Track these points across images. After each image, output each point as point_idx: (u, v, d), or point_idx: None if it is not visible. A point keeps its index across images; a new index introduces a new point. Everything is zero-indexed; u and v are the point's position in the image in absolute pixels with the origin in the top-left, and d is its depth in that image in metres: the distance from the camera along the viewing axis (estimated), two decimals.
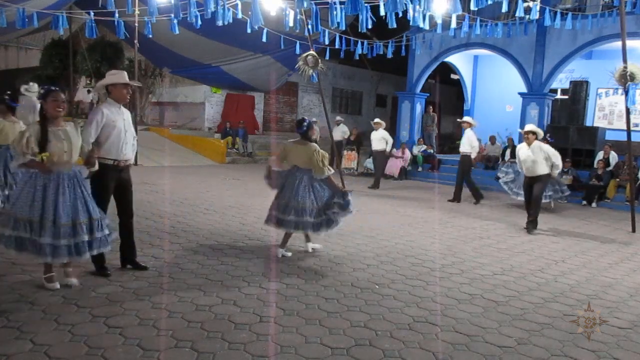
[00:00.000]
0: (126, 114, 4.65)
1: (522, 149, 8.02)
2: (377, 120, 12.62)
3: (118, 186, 4.64)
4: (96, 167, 4.33)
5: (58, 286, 4.15)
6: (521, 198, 11.06)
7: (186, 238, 6.15)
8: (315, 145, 5.70)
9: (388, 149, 12.53)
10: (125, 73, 4.63)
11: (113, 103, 4.54)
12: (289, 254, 5.66)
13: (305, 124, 5.64)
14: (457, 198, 10.77)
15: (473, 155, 10.60)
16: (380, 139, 12.34)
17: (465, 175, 10.68)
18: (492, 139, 14.99)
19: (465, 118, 11.09)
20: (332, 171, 5.66)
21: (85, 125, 4.43)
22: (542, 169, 7.85)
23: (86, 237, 4.08)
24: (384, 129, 12.51)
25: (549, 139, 11.69)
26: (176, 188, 10.14)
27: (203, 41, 15.50)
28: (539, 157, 7.80)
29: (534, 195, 7.96)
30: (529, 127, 8.15)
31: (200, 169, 13.98)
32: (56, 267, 4.27)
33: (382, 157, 12.54)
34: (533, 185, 7.97)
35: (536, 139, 7.94)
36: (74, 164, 4.16)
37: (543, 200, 10.99)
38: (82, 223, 4.07)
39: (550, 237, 7.60)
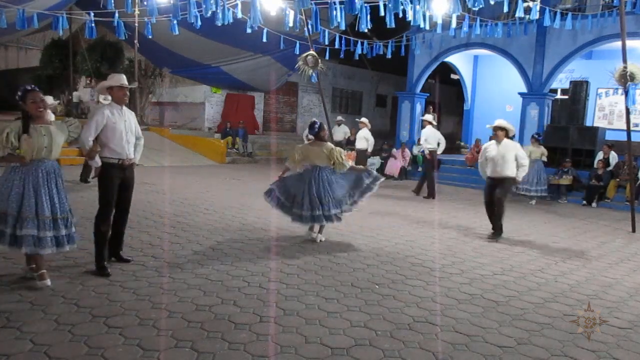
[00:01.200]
0: (128, 115, 4.85)
1: (492, 146, 7.28)
2: (362, 119, 12.99)
3: (121, 184, 4.82)
4: (99, 162, 4.56)
5: (49, 283, 4.19)
6: (524, 193, 11.38)
7: (186, 238, 6.15)
8: (330, 144, 6.38)
9: (370, 149, 12.78)
10: (123, 76, 4.84)
11: (114, 105, 4.77)
12: (324, 238, 6.38)
13: (317, 125, 6.33)
14: (431, 194, 11.11)
15: (425, 151, 11.17)
16: (361, 138, 12.65)
17: (428, 169, 11.27)
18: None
19: (426, 116, 11.53)
20: (351, 163, 6.49)
21: (86, 125, 4.63)
22: (510, 170, 7.14)
23: (63, 232, 4.19)
24: (369, 129, 12.91)
25: (537, 137, 11.90)
26: (176, 188, 10.13)
27: (203, 41, 15.51)
28: (510, 155, 7.10)
29: (497, 201, 7.18)
30: (498, 122, 7.39)
31: (200, 169, 13.98)
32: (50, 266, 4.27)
33: (363, 156, 12.77)
34: (497, 188, 7.23)
35: (506, 136, 7.25)
36: (53, 160, 4.24)
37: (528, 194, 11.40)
38: (62, 218, 4.19)
39: (550, 237, 7.60)
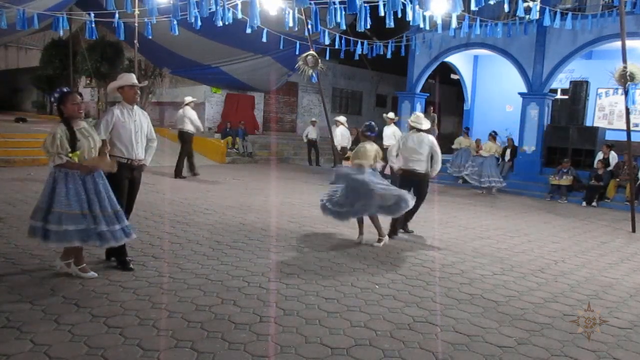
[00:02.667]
0: (139, 115, 4.88)
1: (410, 137, 6.98)
2: (338, 118, 13.73)
3: (128, 183, 4.87)
4: (114, 168, 4.51)
5: (95, 274, 4.47)
6: (487, 185, 12.36)
7: (186, 238, 6.15)
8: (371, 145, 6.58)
9: (348, 146, 13.07)
10: (133, 75, 4.89)
11: (125, 104, 4.82)
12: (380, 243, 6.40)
13: (376, 129, 6.63)
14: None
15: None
16: (336, 136, 12.94)
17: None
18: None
19: (390, 114, 12.23)
20: (380, 164, 6.56)
21: (97, 124, 4.72)
22: (420, 166, 6.90)
23: (117, 226, 4.35)
24: (346, 127, 13.69)
25: (494, 134, 12.81)
26: (176, 188, 10.14)
27: (203, 42, 15.50)
28: (423, 149, 6.84)
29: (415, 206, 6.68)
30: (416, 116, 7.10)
31: (200, 169, 13.96)
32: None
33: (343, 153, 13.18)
34: (413, 184, 6.87)
35: (426, 130, 6.98)
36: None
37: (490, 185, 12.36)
38: (117, 211, 4.38)
39: (550, 237, 7.60)
